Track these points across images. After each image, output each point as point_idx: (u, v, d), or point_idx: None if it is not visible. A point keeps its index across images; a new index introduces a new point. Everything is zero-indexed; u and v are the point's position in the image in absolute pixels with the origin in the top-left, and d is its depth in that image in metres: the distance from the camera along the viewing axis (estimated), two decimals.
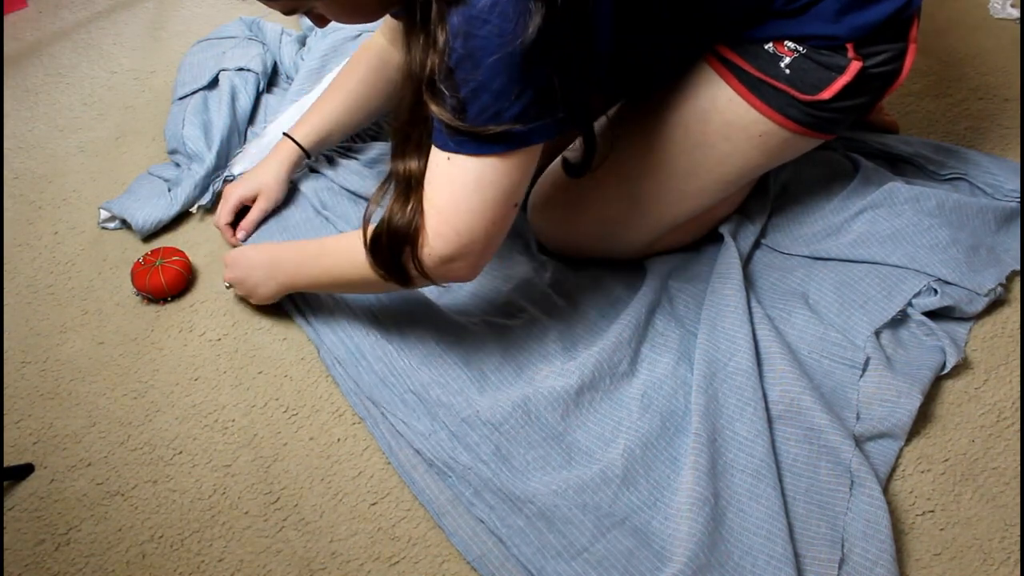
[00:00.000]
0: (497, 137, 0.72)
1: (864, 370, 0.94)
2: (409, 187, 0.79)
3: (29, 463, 0.96)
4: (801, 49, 0.88)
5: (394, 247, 0.80)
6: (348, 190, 1.19)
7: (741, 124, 0.92)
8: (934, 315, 1.00)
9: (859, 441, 0.88)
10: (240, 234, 1.14)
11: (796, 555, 0.80)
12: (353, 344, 1.00)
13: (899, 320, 1.00)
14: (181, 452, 0.96)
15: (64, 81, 1.51)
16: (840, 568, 0.80)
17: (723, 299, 0.98)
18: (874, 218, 1.07)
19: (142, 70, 1.52)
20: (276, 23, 1.46)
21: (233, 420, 0.98)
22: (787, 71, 0.89)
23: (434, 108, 0.72)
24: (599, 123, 0.91)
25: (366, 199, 1.18)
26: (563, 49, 0.69)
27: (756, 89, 0.90)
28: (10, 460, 0.96)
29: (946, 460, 0.91)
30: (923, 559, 0.84)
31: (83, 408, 1.01)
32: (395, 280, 0.84)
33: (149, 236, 1.20)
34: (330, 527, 0.89)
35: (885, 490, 0.87)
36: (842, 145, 1.20)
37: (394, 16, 1.00)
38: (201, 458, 0.95)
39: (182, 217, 1.22)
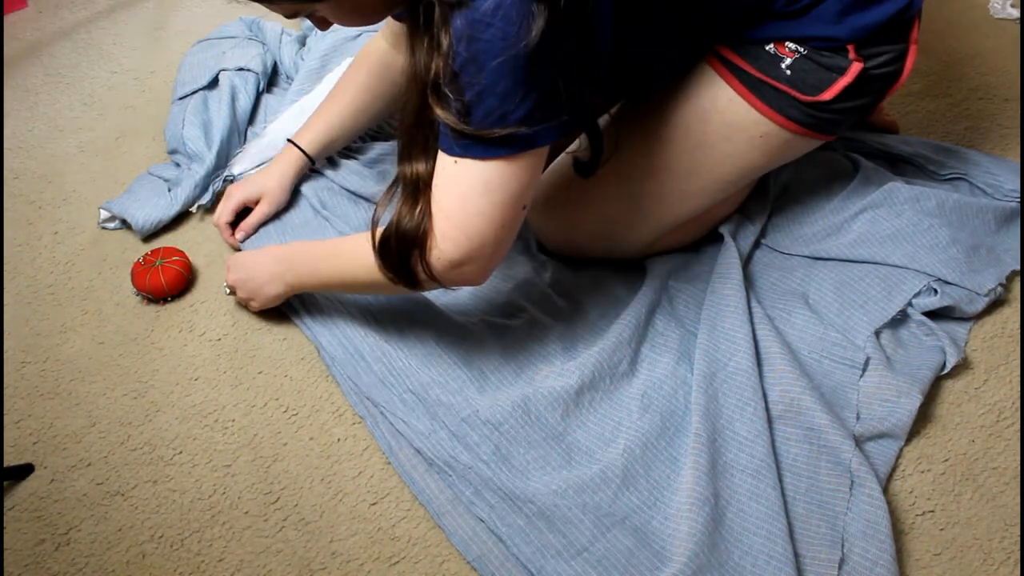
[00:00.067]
0: (503, 140, 0.72)
1: (864, 370, 0.94)
2: (417, 190, 0.79)
3: (29, 463, 0.96)
4: (802, 50, 0.88)
5: (403, 250, 0.80)
6: (348, 190, 1.19)
7: (742, 125, 0.92)
8: (934, 315, 1.00)
9: (859, 441, 0.89)
10: (239, 235, 1.14)
11: (796, 555, 0.80)
12: (351, 345, 1.00)
13: (899, 320, 1.00)
14: (181, 452, 0.96)
15: (64, 81, 1.51)
16: (840, 568, 0.80)
17: (723, 299, 0.98)
18: (874, 218, 1.07)
19: (142, 70, 1.52)
20: (276, 23, 1.46)
21: (233, 420, 0.98)
22: (788, 72, 0.89)
23: (439, 112, 0.72)
24: (602, 122, 0.91)
25: (366, 199, 1.19)
26: (565, 50, 0.69)
27: (757, 90, 0.90)
28: (10, 460, 0.96)
29: (946, 460, 0.91)
30: (923, 559, 0.84)
31: (83, 408, 1.01)
32: (404, 283, 0.83)
33: (149, 236, 1.20)
34: (330, 527, 0.89)
35: (885, 490, 0.87)
36: (842, 145, 1.20)
37: (397, 19, 1.00)
38: (201, 458, 0.95)
39: (182, 217, 1.22)
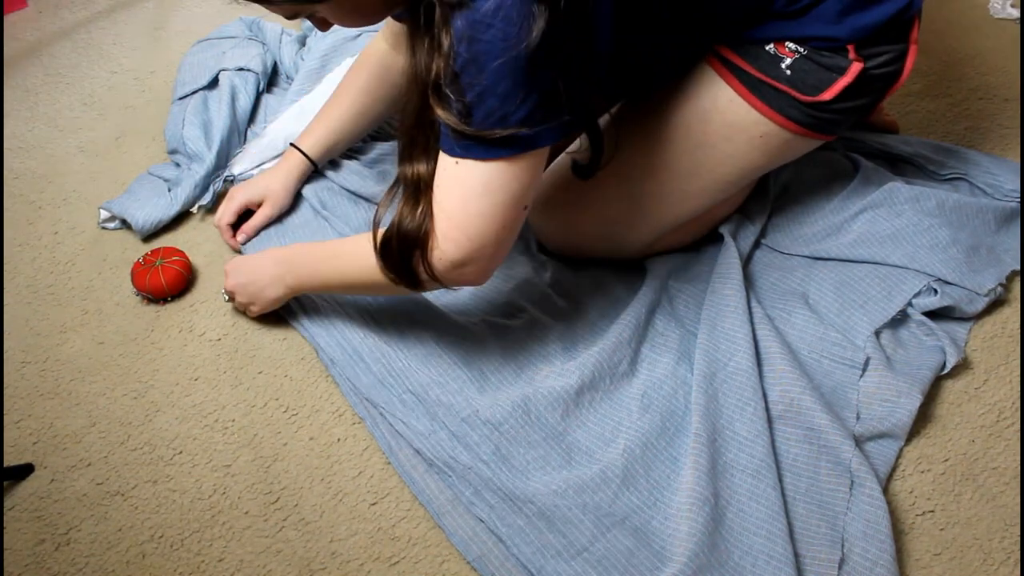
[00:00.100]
0: (504, 141, 0.72)
1: (864, 370, 0.94)
2: (418, 191, 0.79)
3: (29, 463, 0.96)
4: (802, 50, 0.88)
5: (404, 251, 0.80)
6: (348, 190, 1.19)
7: (742, 125, 0.92)
8: (934, 315, 1.00)
9: (859, 441, 0.89)
10: (240, 237, 1.14)
11: (796, 555, 0.80)
12: (350, 346, 1.00)
13: (899, 320, 1.00)
14: (181, 452, 0.96)
15: (64, 81, 1.51)
16: (840, 568, 0.80)
17: (723, 299, 0.98)
18: (874, 218, 1.07)
19: (142, 70, 1.52)
20: (276, 23, 1.46)
21: (233, 420, 0.98)
22: (788, 72, 0.89)
23: (440, 112, 0.72)
24: (602, 122, 0.91)
25: (366, 199, 1.19)
26: (566, 51, 0.69)
27: (757, 90, 0.90)
28: (10, 460, 0.96)
29: (946, 460, 0.91)
30: (923, 559, 0.84)
31: (83, 408, 1.01)
32: (405, 284, 0.83)
33: (149, 236, 1.20)
34: (330, 527, 0.89)
35: (885, 490, 0.87)
36: (842, 145, 1.20)
37: (397, 19, 1.00)
38: (201, 458, 0.95)
39: (182, 217, 1.22)
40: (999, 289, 1.03)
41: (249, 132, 1.32)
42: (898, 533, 0.85)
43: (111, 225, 1.22)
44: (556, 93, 0.71)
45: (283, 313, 1.06)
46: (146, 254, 1.12)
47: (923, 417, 0.93)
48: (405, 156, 0.80)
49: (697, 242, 1.11)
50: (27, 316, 1.12)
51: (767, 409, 0.89)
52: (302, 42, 1.45)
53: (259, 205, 1.15)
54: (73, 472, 0.95)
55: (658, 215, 1.01)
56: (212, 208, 1.22)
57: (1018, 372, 0.98)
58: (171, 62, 1.49)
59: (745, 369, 0.91)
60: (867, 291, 1.01)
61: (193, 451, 0.96)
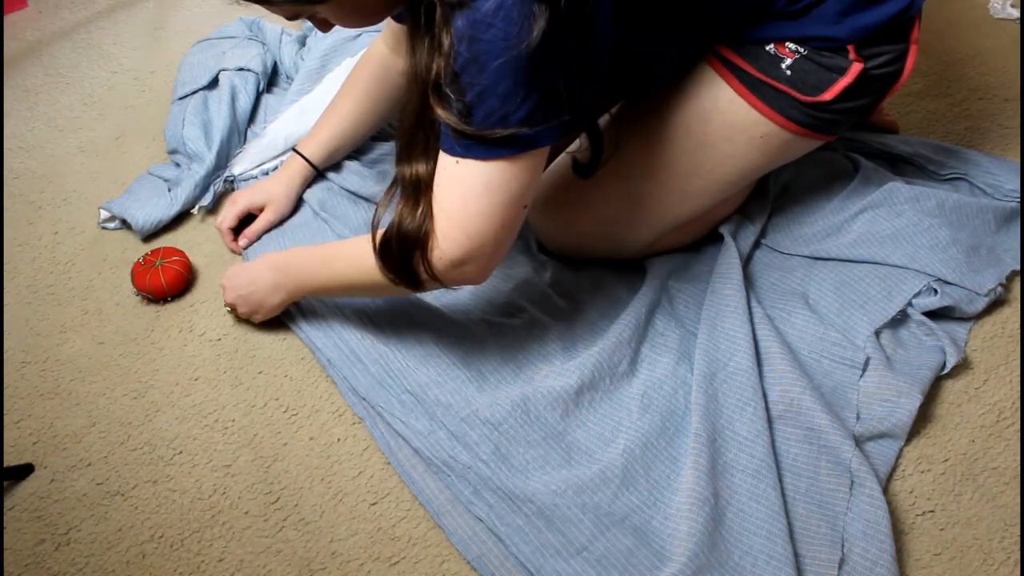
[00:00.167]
0: (504, 140, 0.72)
1: (864, 370, 0.94)
2: (418, 191, 0.79)
3: (29, 463, 0.96)
4: (802, 50, 0.88)
5: (404, 251, 0.80)
6: (348, 190, 1.19)
7: (742, 125, 0.92)
8: (934, 315, 1.00)
9: (859, 441, 0.89)
10: (242, 242, 1.15)
11: (796, 555, 0.80)
12: (347, 347, 1.00)
13: (899, 320, 1.00)
14: (181, 452, 0.96)
15: (64, 81, 1.51)
16: (840, 568, 0.80)
17: (723, 299, 0.98)
18: (874, 218, 1.07)
19: (142, 70, 1.52)
20: (276, 23, 1.46)
21: (233, 420, 0.98)
22: (788, 72, 0.89)
23: (440, 112, 0.72)
24: (602, 122, 0.91)
25: (366, 199, 1.19)
26: (566, 51, 0.69)
27: (757, 90, 0.90)
28: (10, 460, 0.96)
29: (946, 460, 0.91)
30: (923, 559, 0.84)
31: (83, 408, 1.01)
32: (405, 284, 0.84)
33: (149, 236, 1.20)
34: (330, 527, 0.89)
35: (885, 490, 0.87)
36: (842, 145, 1.20)
37: (397, 20, 1.00)
38: (201, 458, 0.95)
39: (182, 217, 1.22)
40: (999, 289, 1.03)
41: (249, 132, 1.32)
42: (898, 533, 0.85)
43: (111, 225, 1.22)
44: (556, 93, 0.71)
45: (280, 315, 1.06)
46: (146, 254, 1.12)
47: (923, 417, 0.93)
48: (404, 156, 0.80)
49: (697, 242, 1.11)
50: (27, 316, 1.12)
51: (767, 409, 0.89)
52: (302, 42, 1.45)
53: (261, 209, 1.15)
54: (73, 472, 0.95)
55: (658, 215, 1.01)
56: (213, 209, 1.22)
57: (1018, 372, 0.98)
58: (171, 62, 1.49)
59: (745, 369, 0.91)
60: (867, 291, 1.01)
61: (193, 451, 0.96)
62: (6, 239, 1.22)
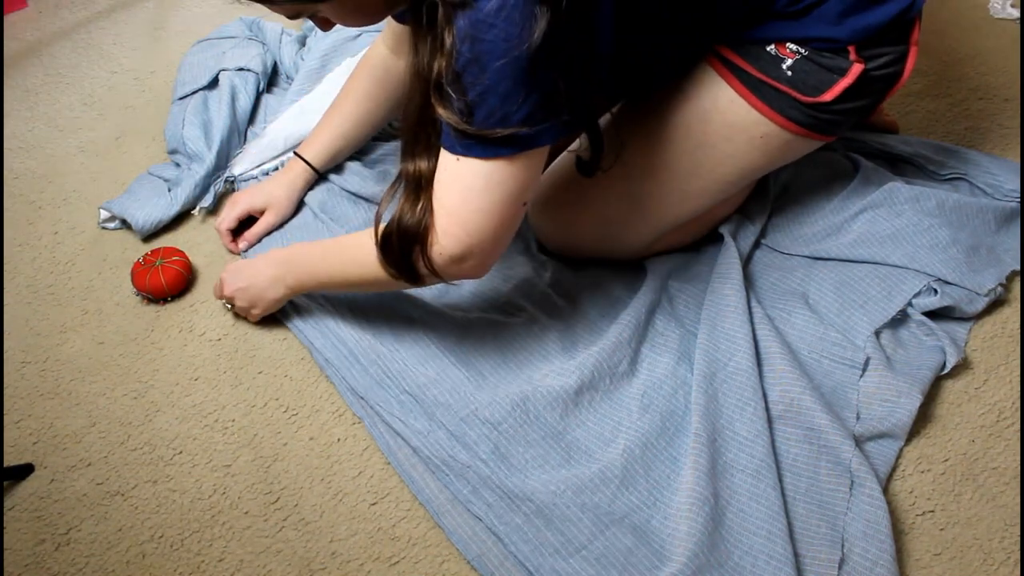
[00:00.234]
0: (504, 140, 0.73)
1: (864, 370, 0.94)
2: (419, 187, 0.80)
3: (29, 463, 0.96)
4: (803, 51, 0.88)
5: (404, 246, 0.81)
6: (348, 191, 1.19)
7: (742, 125, 0.92)
8: (934, 315, 1.00)
9: (859, 441, 0.89)
10: (242, 244, 1.15)
11: (796, 555, 0.80)
12: (345, 347, 1.00)
13: (899, 320, 1.00)
14: (181, 452, 0.96)
15: (64, 81, 1.51)
16: (840, 568, 0.80)
17: (723, 299, 0.98)
18: (874, 218, 1.07)
19: (142, 70, 1.52)
20: (276, 23, 1.46)
21: (233, 420, 0.98)
22: (789, 73, 0.89)
23: (441, 112, 0.72)
24: (603, 122, 0.91)
25: (367, 200, 1.19)
26: (567, 51, 0.69)
27: (757, 90, 0.90)
28: (10, 460, 0.96)
29: (946, 460, 0.91)
30: (923, 559, 0.84)
31: (83, 408, 1.01)
32: (405, 279, 0.84)
33: (149, 236, 1.20)
34: (330, 527, 0.89)
35: (885, 490, 0.87)
36: (842, 145, 1.20)
37: (399, 19, 1.00)
38: (201, 458, 0.95)
39: (182, 217, 1.22)
40: (999, 289, 1.03)
41: (249, 132, 1.32)
42: (898, 533, 0.85)
43: (111, 225, 1.22)
44: (557, 93, 0.71)
45: (278, 315, 1.06)
46: (146, 254, 1.12)
47: (923, 417, 0.93)
48: (407, 153, 0.81)
49: (697, 242, 1.11)
50: (27, 316, 1.12)
51: (767, 409, 0.89)
52: (302, 42, 1.45)
53: (261, 212, 1.15)
54: (73, 472, 0.95)
55: (658, 215, 1.01)
56: (213, 210, 1.22)
57: (1018, 372, 0.98)
58: (171, 62, 1.49)
59: (745, 369, 0.91)
60: (867, 291, 1.01)
61: (193, 451, 0.96)
62: (6, 239, 1.22)
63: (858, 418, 0.91)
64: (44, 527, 0.90)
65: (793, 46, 0.88)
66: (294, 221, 1.17)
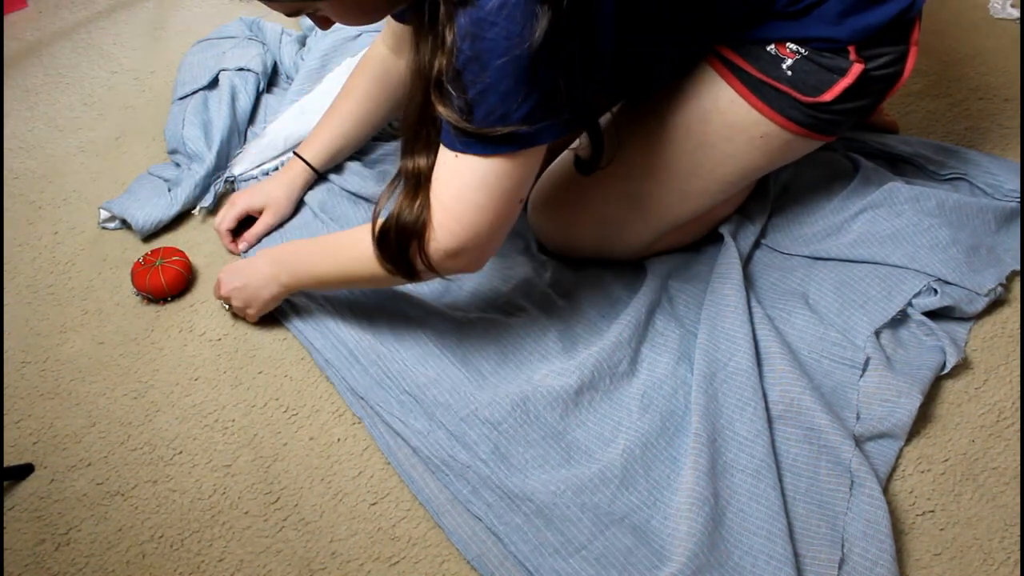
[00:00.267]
0: (504, 138, 0.73)
1: (864, 370, 0.94)
2: (418, 184, 0.80)
3: (29, 463, 0.96)
4: (803, 51, 0.88)
5: (401, 242, 0.81)
6: (348, 191, 1.19)
7: (742, 125, 0.92)
8: (934, 315, 1.00)
9: (859, 441, 0.89)
10: (241, 245, 1.15)
11: (796, 555, 0.80)
12: (345, 348, 1.00)
13: (899, 320, 1.00)
14: (181, 452, 0.96)
15: (64, 81, 1.51)
16: (840, 568, 0.80)
17: (723, 299, 0.98)
18: (874, 218, 1.07)
19: (142, 70, 1.52)
20: (276, 23, 1.46)
21: (233, 420, 0.98)
22: (789, 72, 0.89)
23: (441, 109, 0.72)
24: (603, 122, 0.91)
25: (367, 200, 1.19)
26: (568, 50, 0.69)
27: (758, 90, 0.90)
28: (10, 460, 0.96)
29: (946, 460, 0.91)
30: (923, 559, 0.84)
31: (83, 408, 1.01)
32: (401, 274, 0.84)
33: (149, 236, 1.20)
34: (330, 527, 0.89)
35: (885, 490, 0.87)
36: (842, 145, 1.20)
37: (399, 18, 1.00)
38: (201, 458, 0.95)
39: (182, 217, 1.22)
40: (999, 289, 1.03)
41: (249, 132, 1.32)
42: (898, 533, 0.85)
43: (111, 225, 1.22)
44: (557, 92, 0.71)
45: (277, 316, 1.06)
46: (146, 254, 1.12)
47: (923, 417, 0.93)
48: (407, 150, 0.81)
49: (697, 242, 1.11)
50: (27, 316, 1.12)
51: (767, 409, 0.89)
52: (302, 42, 1.45)
53: (260, 212, 1.15)
54: (73, 472, 0.95)
55: (658, 215, 1.01)
56: (213, 210, 1.22)
57: (1018, 372, 0.98)
58: (171, 62, 1.49)
59: (745, 369, 0.91)
60: (867, 291, 1.01)
61: (193, 451, 0.96)
62: (6, 239, 1.22)
63: (858, 418, 0.91)
64: (44, 527, 0.90)
65: (793, 46, 0.88)
66: (294, 221, 1.17)
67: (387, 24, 1.09)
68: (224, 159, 1.26)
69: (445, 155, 0.77)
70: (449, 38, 0.68)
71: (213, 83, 1.35)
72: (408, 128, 0.80)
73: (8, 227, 1.24)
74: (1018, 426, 0.93)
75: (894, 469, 0.90)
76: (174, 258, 1.11)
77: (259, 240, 1.15)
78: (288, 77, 1.40)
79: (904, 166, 1.19)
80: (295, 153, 1.18)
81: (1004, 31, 1.47)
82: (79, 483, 0.94)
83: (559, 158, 1.05)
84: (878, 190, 1.09)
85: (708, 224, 1.09)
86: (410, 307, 1.04)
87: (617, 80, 0.94)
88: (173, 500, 0.92)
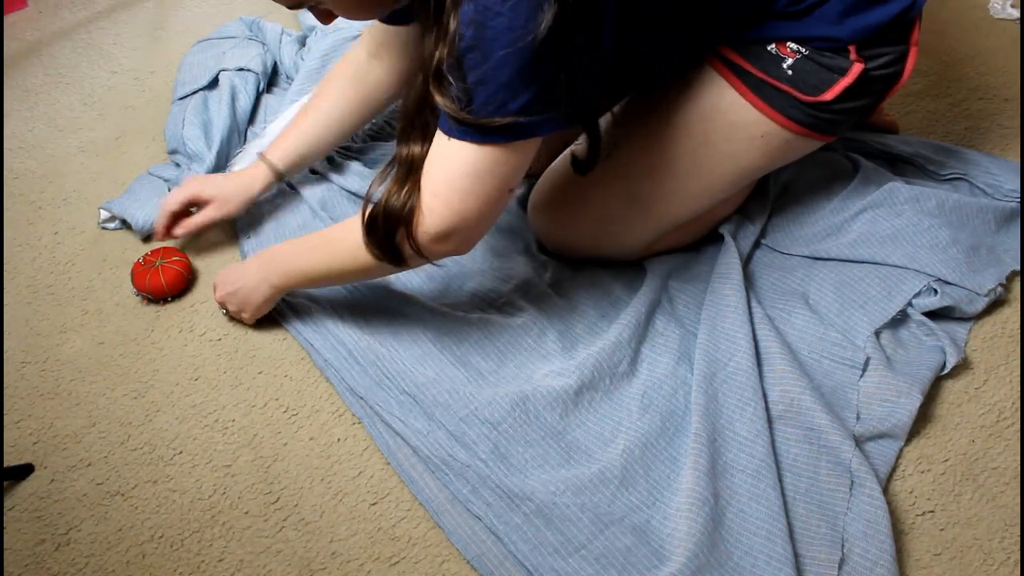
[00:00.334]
0: (501, 128, 0.73)
1: (864, 370, 0.94)
2: (410, 171, 0.81)
3: (29, 463, 0.96)
4: (803, 50, 0.88)
5: (389, 227, 0.82)
6: (348, 191, 1.19)
7: (743, 125, 0.92)
8: (934, 315, 1.00)
9: (859, 441, 0.89)
10: (179, 231, 1.11)
11: (796, 555, 0.80)
12: (344, 348, 1.00)
13: (899, 320, 1.00)
14: (181, 452, 0.96)
15: (64, 81, 1.51)
16: (840, 568, 0.80)
17: (723, 299, 0.98)
18: (874, 218, 1.07)
19: (142, 70, 1.52)
20: (276, 23, 1.46)
21: (233, 420, 0.98)
22: (789, 72, 0.89)
23: (439, 99, 0.73)
24: (604, 122, 0.91)
25: None
26: (571, 46, 0.69)
27: (758, 90, 0.90)
28: (10, 460, 0.96)
29: (946, 460, 0.91)
30: (923, 559, 0.84)
31: (83, 408, 1.01)
32: (389, 260, 0.85)
33: (149, 236, 1.20)
34: (330, 527, 0.89)
35: (885, 490, 0.87)
36: (842, 145, 1.20)
37: (398, 16, 1.00)
38: (201, 458, 0.95)
39: None
40: (999, 289, 1.03)
41: (249, 132, 1.32)
42: (898, 533, 0.85)
43: (111, 225, 1.22)
44: (557, 85, 0.71)
45: (276, 316, 1.06)
46: (146, 254, 1.12)
47: (923, 417, 0.93)
48: (403, 138, 0.81)
49: (697, 242, 1.11)
50: (27, 316, 1.12)
51: (767, 409, 0.89)
52: (302, 42, 1.45)
53: (207, 202, 1.11)
54: (73, 472, 0.95)
55: (658, 215, 1.01)
56: None
57: (1018, 372, 0.98)
58: (171, 62, 1.49)
59: (745, 369, 0.91)
60: (867, 291, 1.01)
61: (193, 451, 0.96)
62: (6, 239, 1.22)
63: (858, 418, 0.91)
64: (44, 527, 0.90)
65: (794, 45, 0.88)
66: (294, 221, 1.17)
67: (369, 27, 1.08)
68: (224, 159, 1.26)
69: (440, 140, 0.77)
70: (452, 26, 0.69)
71: (213, 83, 1.35)
72: (405, 116, 0.80)
73: (8, 227, 1.24)
74: (1018, 426, 0.93)
75: (894, 469, 0.90)
76: (174, 258, 1.11)
77: (197, 230, 1.11)
78: (288, 77, 1.40)
79: (904, 166, 1.19)
80: (260, 154, 1.13)
81: (1004, 31, 1.47)
82: (79, 483, 0.94)
83: (559, 158, 1.05)
84: (878, 190, 1.09)
85: (708, 224, 1.09)
86: (409, 307, 1.04)
87: (617, 80, 0.93)
88: (173, 500, 0.92)
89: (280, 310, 1.05)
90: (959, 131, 1.28)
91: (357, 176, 1.20)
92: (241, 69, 1.36)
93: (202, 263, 1.16)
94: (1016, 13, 1.49)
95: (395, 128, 1.28)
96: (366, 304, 1.05)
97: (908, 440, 0.91)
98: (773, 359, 0.93)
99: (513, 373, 0.97)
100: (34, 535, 0.90)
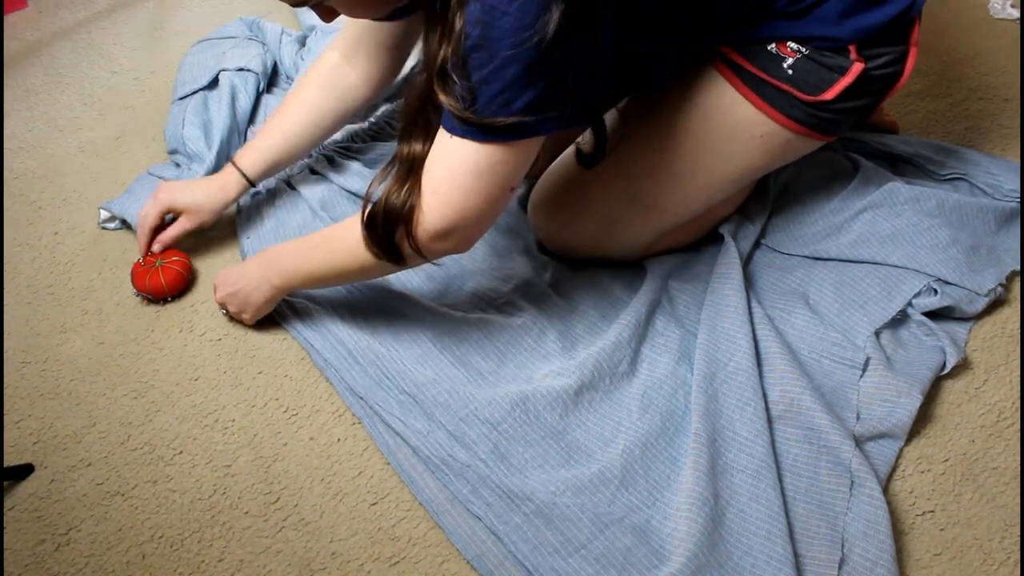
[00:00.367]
0: (505, 127, 0.73)
1: (864, 370, 0.94)
2: (411, 169, 0.81)
3: (29, 463, 0.96)
4: (804, 50, 0.88)
5: (388, 226, 0.82)
6: (348, 191, 1.19)
7: (743, 124, 0.93)
8: (934, 315, 1.00)
9: (859, 441, 0.89)
10: (156, 247, 1.10)
11: (796, 555, 0.80)
12: (344, 348, 1.00)
13: (899, 320, 1.00)
14: (181, 452, 0.96)
15: (64, 81, 1.51)
16: (840, 568, 0.80)
17: (723, 299, 0.98)
18: (874, 218, 1.07)
19: (142, 70, 1.52)
20: (276, 23, 1.46)
21: (233, 420, 0.98)
22: (789, 71, 0.89)
23: (443, 98, 0.72)
24: (609, 119, 0.91)
25: None
26: (576, 46, 0.69)
27: (758, 89, 0.90)
28: (10, 460, 0.96)
29: (946, 460, 0.91)
30: (923, 559, 0.84)
31: (83, 408, 1.01)
32: (388, 259, 0.85)
33: None
34: (330, 527, 0.89)
35: (885, 490, 0.87)
36: (842, 145, 1.20)
37: (401, 13, 0.99)
38: (201, 458, 0.95)
39: None
40: (999, 289, 1.03)
41: (249, 132, 1.32)
42: (898, 533, 0.85)
43: (111, 225, 1.22)
44: (560, 85, 0.71)
45: (276, 316, 1.06)
46: (146, 254, 1.12)
47: (923, 417, 0.93)
48: (404, 136, 0.81)
49: (697, 242, 1.11)
50: (27, 316, 1.12)
51: (767, 409, 0.89)
52: (302, 42, 1.45)
53: (181, 213, 1.10)
54: (73, 472, 0.95)
55: (658, 215, 1.01)
56: None
57: (1018, 372, 0.98)
58: (171, 62, 1.49)
59: (745, 369, 0.91)
60: (867, 291, 1.01)
61: (193, 451, 0.96)
62: (6, 239, 1.22)
63: (858, 418, 0.91)
64: (44, 527, 0.90)
65: (794, 45, 0.88)
66: (294, 221, 1.17)
67: (344, 29, 1.06)
68: (224, 159, 1.26)
69: (442, 138, 0.77)
70: (458, 24, 0.69)
71: (213, 83, 1.36)
72: (408, 114, 0.80)
73: (8, 227, 1.24)
74: (1018, 426, 0.93)
75: (894, 469, 0.90)
76: (174, 259, 1.11)
77: (172, 243, 1.11)
78: (288, 77, 1.40)
79: (904, 166, 1.19)
80: (230, 160, 1.12)
81: (1004, 31, 1.47)
82: (79, 483, 0.94)
83: (559, 158, 1.05)
84: (878, 190, 1.09)
85: (708, 224, 1.09)
86: (409, 307, 1.04)
87: (617, 80, 0.93)
88: (173, 500, 0.92)
89: (280, 310, 1.05)
90: (959, 131, 1.28)
91: (357, 176, 1.20)
92: (241, 69, 1.36)
93: (202, 263, 1.16)
94: (1016, 13, 1.49)
95: (395, 128, 1.28)
96: (366, 304, 1.05)
97: (908, 440, 0.91)
98: (773, 359, 0.93)
99: (513, 373, 0.97)
100: (34, 535, 0.90)
